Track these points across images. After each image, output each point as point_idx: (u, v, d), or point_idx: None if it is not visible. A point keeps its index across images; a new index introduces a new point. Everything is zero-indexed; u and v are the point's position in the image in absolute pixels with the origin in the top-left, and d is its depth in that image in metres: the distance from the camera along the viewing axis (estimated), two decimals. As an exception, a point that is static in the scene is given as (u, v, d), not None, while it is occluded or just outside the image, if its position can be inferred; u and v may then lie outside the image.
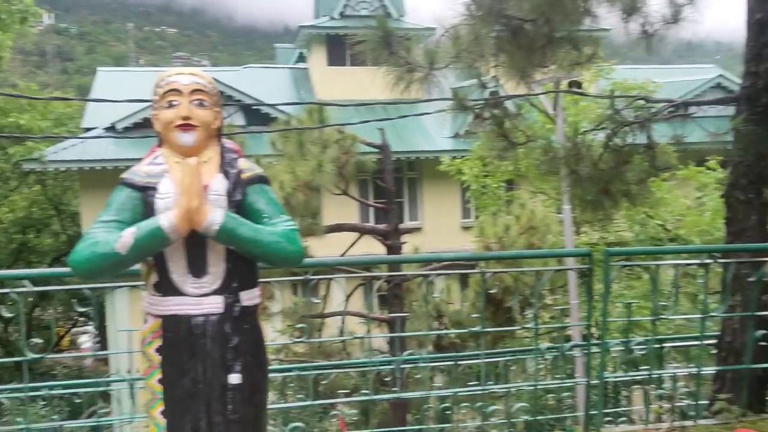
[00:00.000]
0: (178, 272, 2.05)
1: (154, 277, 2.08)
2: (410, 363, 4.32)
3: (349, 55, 17.98)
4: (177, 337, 2.03)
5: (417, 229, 13.98)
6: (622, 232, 11.88)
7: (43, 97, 11.92)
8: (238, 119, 15.64)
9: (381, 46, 3.38)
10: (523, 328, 5.18)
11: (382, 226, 9.76)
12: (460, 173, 12.56)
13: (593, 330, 6.03)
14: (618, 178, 3.68)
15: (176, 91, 2.09)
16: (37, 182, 17.31)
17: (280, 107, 15.12)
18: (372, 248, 11.11)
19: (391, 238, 9.29)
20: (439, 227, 16.18)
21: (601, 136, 3.78)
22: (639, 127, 3.68)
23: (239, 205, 2.06)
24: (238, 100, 15.06)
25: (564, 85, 7.71)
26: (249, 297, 2.10)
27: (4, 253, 17.57)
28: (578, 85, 7.13)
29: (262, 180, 2.15)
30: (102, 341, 17.34)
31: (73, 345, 24.11)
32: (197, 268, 2.04)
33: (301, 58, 22.06)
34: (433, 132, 16.82)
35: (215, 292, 2.05)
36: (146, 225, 1.96)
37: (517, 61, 3.43)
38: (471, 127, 15.51)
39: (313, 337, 7.57)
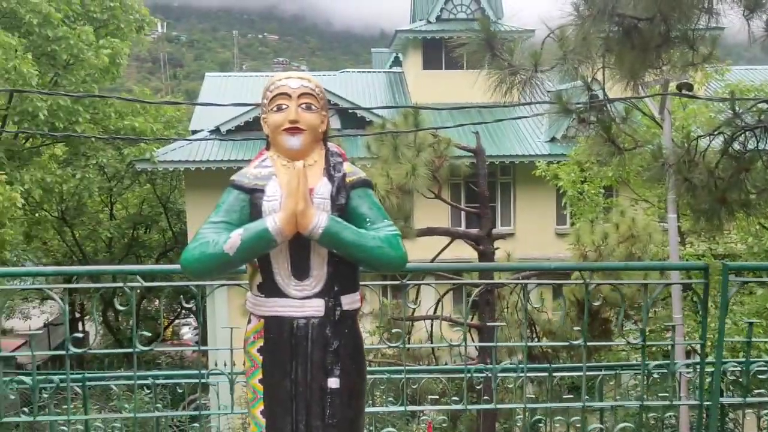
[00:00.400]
0: (282, 274, 2.06)
1: (258, 278, 2.10)
2: (505, 372, 4.17)
3: (444, 59, 17.96)
4: (279, 339, 2.05)
5: (509, 235, 13.65)
6: (731, 244, 11.12)
7: (155, 101, 12.51)
8: (335, 123, 15.80)
9: (483, 48, 3.27)
10: (630, 344, 4.85)
11: (474, 231, 9.56)
12: (556, 178, 12.18)
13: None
14: (736, 186, 3.41)
15: (285, 95, 2.10)
16: (148, 181, 18.29)
17: (375, 111, 15.27)
18: (463, 252, 10.91)
19: (484, 243, 9.06)
20: (532, 233, 15.80)
21: (716, 141, 3.51)
22: (763, 132, 3.38)
23: (343, 209, 2.05)
24: (335, 104, 15.24)
25: (672, 87, 7.28)
26: (350, 301, 2.10)
27: (117, 246, 18.71)
28: (689, 87, 6.69)
29: (365, 184, 2.13)
30: (202, 334, 18.06)
31: (176, 336, 25.30)
32: (300, 271, 2.05)
33: (397, 62, 22.18)
34: (528, 136, 16.48)
35: (317, 295, 2.05)
36: (253, 227, 1.97)
37: (627, 62, 3.24)
38: (573, 131, 15.05)
39: (403, 341, 7.49)
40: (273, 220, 1.97)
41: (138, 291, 3.31)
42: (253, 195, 2.06)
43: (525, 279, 9.61)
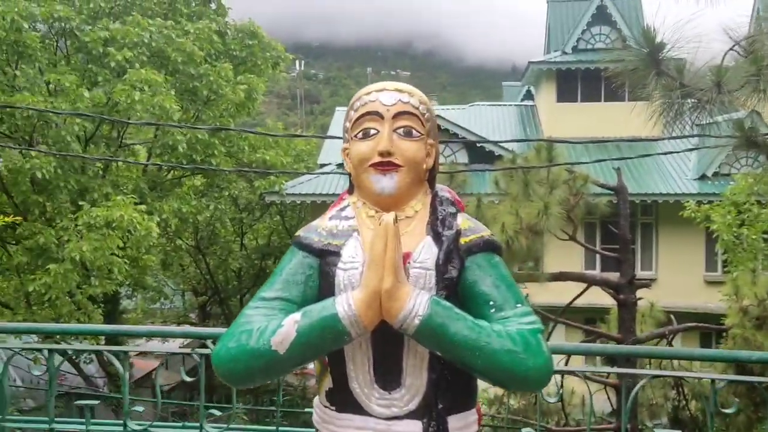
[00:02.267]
0: (361, 381, 1.49)
1: (327, 382, 1.54)
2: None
3: (580, 91, 17.29)
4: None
5: (651, 281, 12.53)
6: None
7: (280, 134, 12.83)
8: (462, 157, 15.46)
9: (646, 64, 2.62)
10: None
11: (613, 277, 8.72)
12: (708, 220, 10.92)
13: None
14: None
15: (375, 115, 1.55)
16: (277, 213, 18.67)
17: (505, 144, 14.87)
18: (597, 298, 10.20)
19: (624, 291, 8.23)
20: (677, 279, 14.52)
21: None
22: None
23: (454, 286, 1.48)
24: (462, 137, 14.97)
25: None
26: (461, 425, 1.50)
27: (247, 275, 19.17)
28: None
29: (490, 247, 1.55)
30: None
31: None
32: (388, 378, 1.48)
33: (529, 96, 21.62)
34: (673, 172, 15.33)
35: (411, 415, 1.46)
36: (316, 312, 1.42)
37: None
38: (728, 168, 13.62)
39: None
40: (347, 302, 1.41)
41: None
42: (325, 260, 1.53)
43: (671, 332, 8.66)
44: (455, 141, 14.39)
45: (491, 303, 1.46)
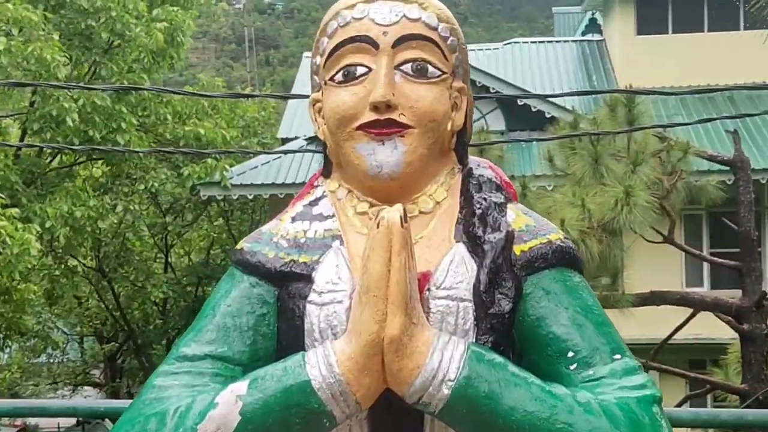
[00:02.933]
0: None
1: None
2: None
3: (671, 17, 17.43)
4: None
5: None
6: None
7: (216, 95, 12.70)
8: (496, 121, 15.40)
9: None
10: None
11: (731, 297, 8.89)
12: None
13: None
14: None
15: (364, 42, 1.49)
16: (220, 215, 18.63)
17: (560, 102, 14.95)
18: (708, 330, 10.23)
19: (749, 318, 8.35)
20: None
21: None
22: None
23: (507, 326, 1.41)
24: (497, 92, 14.87)
25: None
26: None
27: (175, 309, 19.09)
28: None
29: (565, 260, 1.49)
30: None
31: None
32: None
33: (593, 27, 21.65)
34: None
35: None
36: (274, 379, 1.35)
37: None
38: None
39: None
40: (325, 360, 1.34)
41: None
42: (286, 289, 1.47)
43: None
44: (485, 97, 14.35)
45: (571, 354, 1.39)
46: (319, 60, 1.55)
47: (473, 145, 8.78)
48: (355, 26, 1.49)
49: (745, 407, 7.84)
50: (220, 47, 72.81)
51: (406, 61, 1.47)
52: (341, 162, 1.53)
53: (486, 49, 20.73)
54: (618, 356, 1.40)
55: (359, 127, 1.46)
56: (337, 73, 1.49)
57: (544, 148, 9.30)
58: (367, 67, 1.47)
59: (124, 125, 13.24)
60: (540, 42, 21.44)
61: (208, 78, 18.44)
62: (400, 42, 1.47)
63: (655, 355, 9.24)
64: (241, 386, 1.34)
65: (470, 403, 1.30)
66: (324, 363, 1.33)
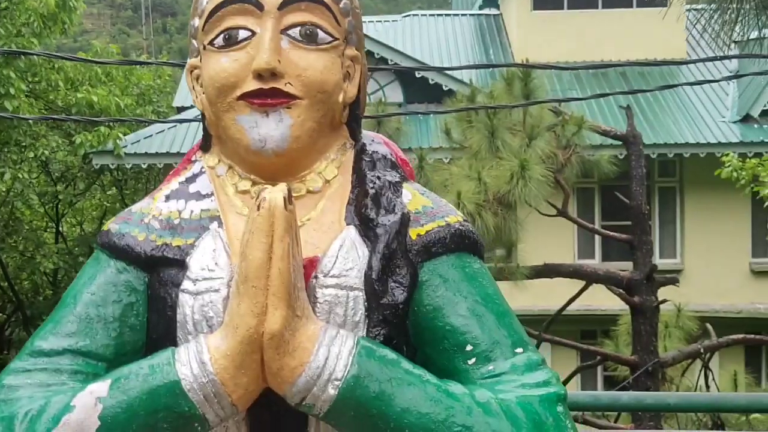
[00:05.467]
0: None
1: None
2: None
3: None
4: None
5: (675, 272, 12.87)
6: None
7: (115, 61, 12.41)
8: (394, 93, 15.41)
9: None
10: None
11: (622, 270, 9.09)
12: (756, 182, 11.21)
13: None
14: None
15: (246, 3, 1.38)
16: (113, 184, 18.26)
17: (457, 75, 14.96)
18: (600, 302, 10.40)
19: (640, 291, 8.52)
20: (712, 271, 15.13)
21: None
22: None
23: (401, 318, 1.34)
24: (395, 64, 14.91)
25: None
26: None
27: (66, 280, 18.66)
28: None
29: (464, 244, 1.42)
30: None
31: None
32: None
33: (490, 2, 21.78)
34: (703, 114, 15.81)
35: None
36: (139, 378, 1.25)
37: None
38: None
39: None
40: (198, 357, 1.25)
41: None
42: (158, 275, 1.37)
43: (708, 349, 8.90)
44: (384, 68, 14.26)
45: (469, 348, 1.32)
46: (197, 22, 1.44)
47: (370, 117, 8.69)
48: None
49: (634, 378, 8.01)
50: (115, 13, 71.23)
51: (293, 25, 1.38)
52: (221, 135, 1.43)
53: (384, 21, 20.77)
54: (520, 350, 1.33)
55: (241, 97, 1.35)
56: (217, 36, 1.39)
57: (441, 121, 9.36)
58: (250, 30, 1.37)
59: (12, 91, 12.87)
60: (438, 15, 21.51)
61: (102, 44, 18.22)
62: (288, 3, 1.38)
63: (547, 327, 9.39)
64: (101, 387, 1.25)
65: (359, 404, 1.23)
66: (196, 360, 1.24)
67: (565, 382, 8.65)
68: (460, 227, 1.41)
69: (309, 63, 1.37)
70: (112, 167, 15.99)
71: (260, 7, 1.37)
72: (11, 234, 17.10)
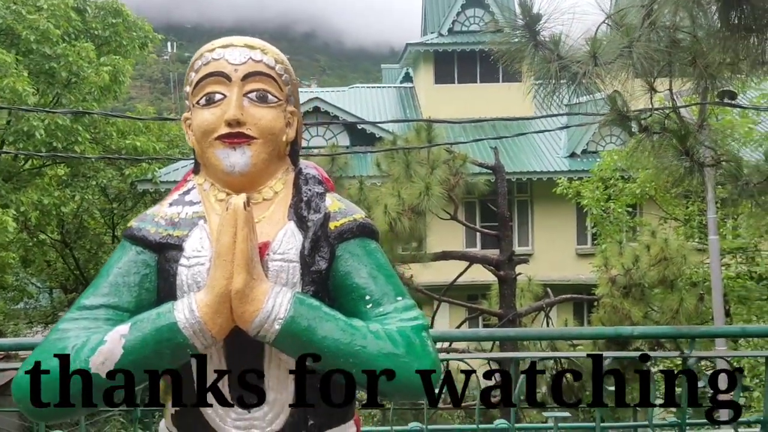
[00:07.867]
0: (213, 400, 1.30)
1: (172, 404, 1.33)
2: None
3: (457, 72, 17.58)
4: None
5: (528, 256, 13.03)
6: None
7: (147, 118, 12.14)
8: (343, 140, 15.35)
9: (523, 37, 2.54)
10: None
11: (493, 254, 8.94)
12: (578, 196, 11.47)
13: None
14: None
15: (220, 76, 1.35)
16: (152, 202, 17.79)
17: (385, 126, 14.89)
18: (480, 276, 10.42)
19: (504, 267, 8.47)
20: (551, 253, 15.18)
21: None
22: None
23: (323, 280, 1.32)
24: (344, 120, 14.94)
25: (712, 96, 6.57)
26: None
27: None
28: (732, 96, 5.97)
29: (365, 232, 1.38)
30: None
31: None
32: (246, 395, 1.30)
33: (408, 78, 21.82)
34: (546, 151, 16.01)
35: None
36: (149, 321, 1.22)
37: (717, 53, 2.52)
38: (595, 145, 14.34)
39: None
40: (189, 307, 1.22)
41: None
42: (164, 255, 1.33)
43: (548, 304, 9.02)
44: (336, 123, 14.24)
45: (367, 297, 1.30)
46: (188, 89, 1.41)
47: (327, 155, 8.67)
48: (214, 64, 1.36)
49: (501, 324, 8.04)
50: (152, 85, 69.67)
51: (251, 91, 1.36)
52: (206, 163, 1.39)
53: (337, 91, 20.58)
54: (400, 298, 1.33)
55: (218, 138, 1.34)
56: (201, 98, 1.37)
57: (374, 158, 9.12)
58: (223, 94, 1.35)
59: (80, 139, 12.55)
60: (373, 87, 21.38)
61: (143, 107, 17.72)
62: (248, 77, 1.36)
63: (445, 293, 9.25)
64: (124, 328, 1.23)
65: (294, 334, 1.23)
66: (188, 308, 1.23)
67: (457, 329, 8.60)
68: (363, 221, 1.39)
69: (262, 115, 1.35)
70: (151, 191, 15.67)
71: (229, 79, 1.35)
72: (81, 237, 16.65)
